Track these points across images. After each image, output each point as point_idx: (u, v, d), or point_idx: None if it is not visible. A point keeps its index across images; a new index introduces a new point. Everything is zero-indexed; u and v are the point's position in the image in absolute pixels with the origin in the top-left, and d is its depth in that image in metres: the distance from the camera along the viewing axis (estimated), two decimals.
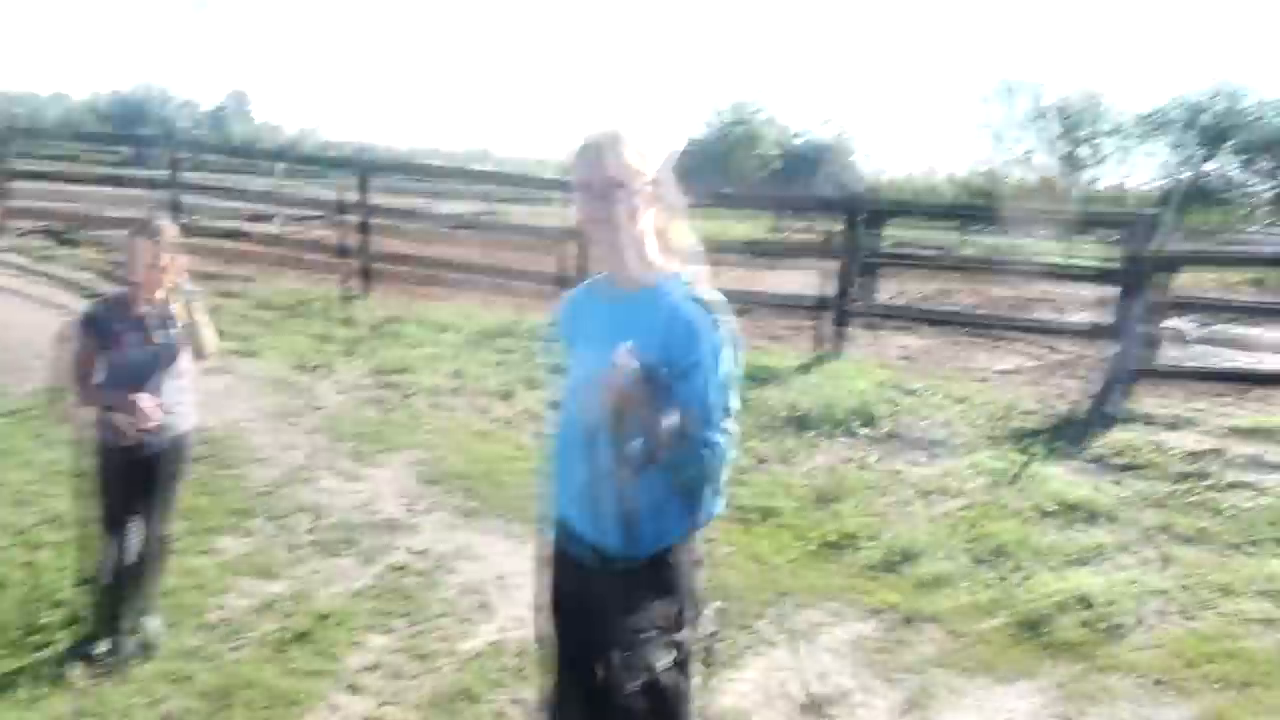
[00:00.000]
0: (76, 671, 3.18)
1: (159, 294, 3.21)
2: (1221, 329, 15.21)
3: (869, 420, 6.82)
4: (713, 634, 2.32)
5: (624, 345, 1.90)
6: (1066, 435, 6.68)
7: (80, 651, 3.24)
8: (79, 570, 3.76)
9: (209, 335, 3.28)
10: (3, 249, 12.07)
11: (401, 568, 4.13)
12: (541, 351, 2.47)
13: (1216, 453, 6.58)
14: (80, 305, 4.59)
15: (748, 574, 4.28)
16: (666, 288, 2.06)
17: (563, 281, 12.18)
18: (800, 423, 6.74)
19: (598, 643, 2.09)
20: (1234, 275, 26.76)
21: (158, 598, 3.47)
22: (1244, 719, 3.34)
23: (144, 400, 3.09)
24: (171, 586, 3.68)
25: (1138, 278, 7.88)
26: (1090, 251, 36.60)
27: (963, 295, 18.67)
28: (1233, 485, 5.85)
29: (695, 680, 2.19)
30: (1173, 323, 9.95)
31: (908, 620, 3.97)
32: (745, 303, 11.38)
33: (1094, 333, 10.23)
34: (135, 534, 3.27)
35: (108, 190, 19.92)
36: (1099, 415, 7.32)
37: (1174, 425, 7.36)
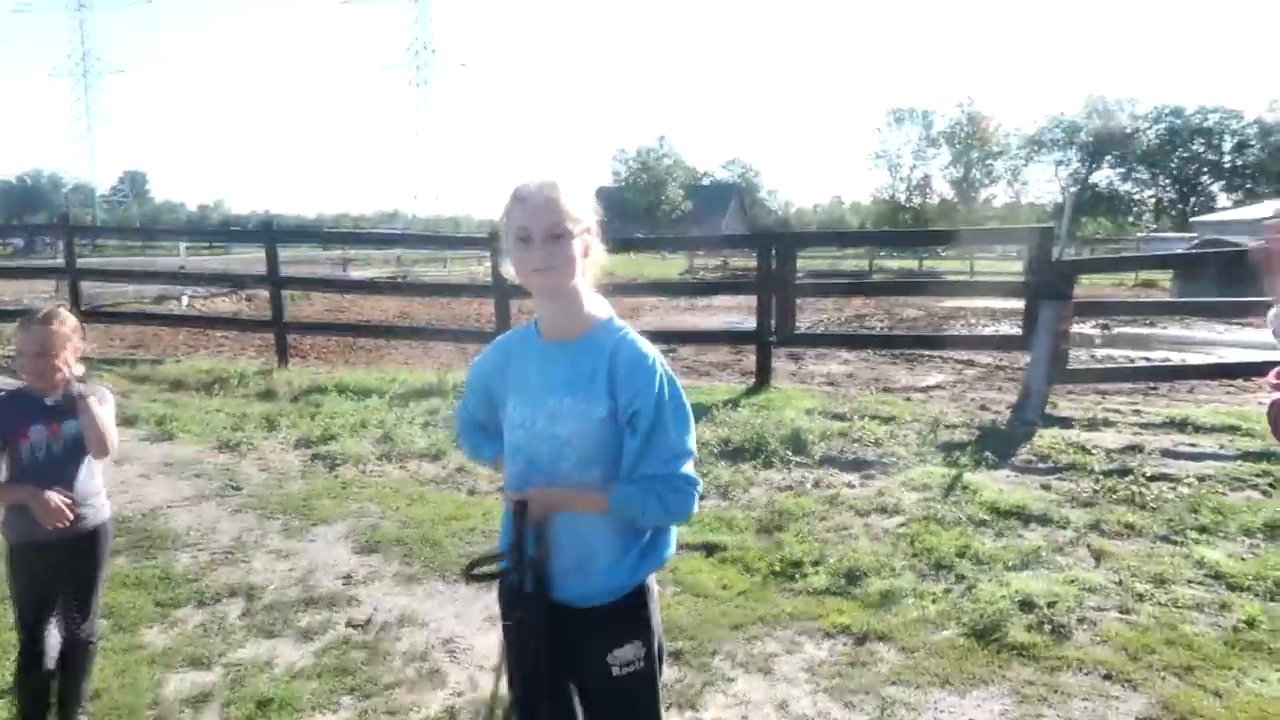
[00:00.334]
0: None
1: (53, 385, 3.05)
2: (1123, 331, 15.92)
3: (801, 448, 6.89)
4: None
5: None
6: (992, 445, 6.85)
7: None
8: None
9: (109, 432, 3.09)
10: None
11: (344, 642, 3.98)
12: (459, 410, 2.41)
13: (1135, 448, 6.83)
14: None
15: (698, 610, 4.24)
16: (602, 334, 2.05)
17: (482, 337, 12.11)
18: (734, 455, 6.78)
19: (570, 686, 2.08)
20: (1128, 279, 28.11)
21: (87, 701, 3.28)
22: (1192, 704, 3.41)
23: (52, 497, 2.94)
24: (100, 687, 3.48)
25: (1043, 288, 8.17)
26: (994, 267, 38.01)
27: (877, 319, 19.12)
28: (1153, 478, 6.06)
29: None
30: (1078, 328, 10.34)
31: (861, 641, 3.97)
32: (669, 342, 11.47)
33: (1007, 343, 10.58)
34: (53, 636, 3.09)
35: (3, 283, 19.25)
36: (1020, 422, 7.54)
37: (1092, 425, 7.61)
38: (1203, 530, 5.18)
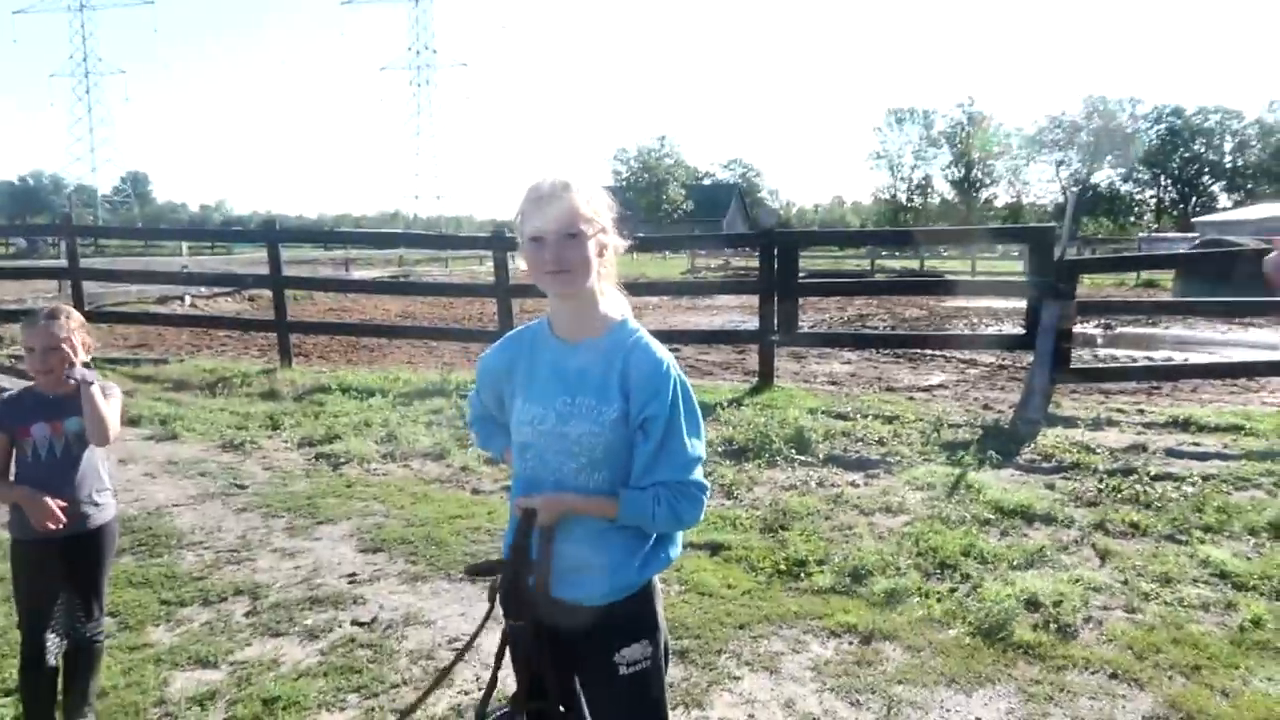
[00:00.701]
0: None
1: (63, 382, 3.07)
2: (1125, 331, 15.90)
3: (805, 447, 6.89)
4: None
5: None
6: (996, 444, 6.85)
7: None
8: (2, 679, 3.56)
9: (110, 421, 3.09)
10: None
11: (350, 641, 3.98)
12: (471, 399, 2.41)
13: (1139, 448, 6.83)
14: None
15: (703, 609, 4.24)
16: (617, 336, 2.04)
17: (485, 336, 12.11)
18: (738, 455, 6.78)
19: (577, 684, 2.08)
20: (1129, 279, 28.09)
21: (94, 700, 3.28)
22: (1199, 703, 3.41)
23: (45, 501, 2.94)
24: (107, 686, 3.48)
25: (1046, 287, 8.17)
26: (996, 267, 37.97)
27: (880, 318, 19.12)
28: (1157, 477, 6.06)
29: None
30: (1081, 328, 10.33)
31: (867, 640, 3.97)
32: (672, 341, 11.48)
33: (1010, 343, 10.58)
34: (56, 634, 3.09)
35: (5, 284, 19.26)
36: (1024, 422, 7.53)
37: (1096, 425, 7.61)
38: (1208, 529, 5.18)
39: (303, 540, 5.24)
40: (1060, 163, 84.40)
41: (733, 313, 19.86)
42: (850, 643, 3.97)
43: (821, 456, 6.77)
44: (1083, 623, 4.09)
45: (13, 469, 3.07)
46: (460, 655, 2.44)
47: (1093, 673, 3.67)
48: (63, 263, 13.57)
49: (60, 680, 3.15)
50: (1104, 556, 4.86)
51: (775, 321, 9.20)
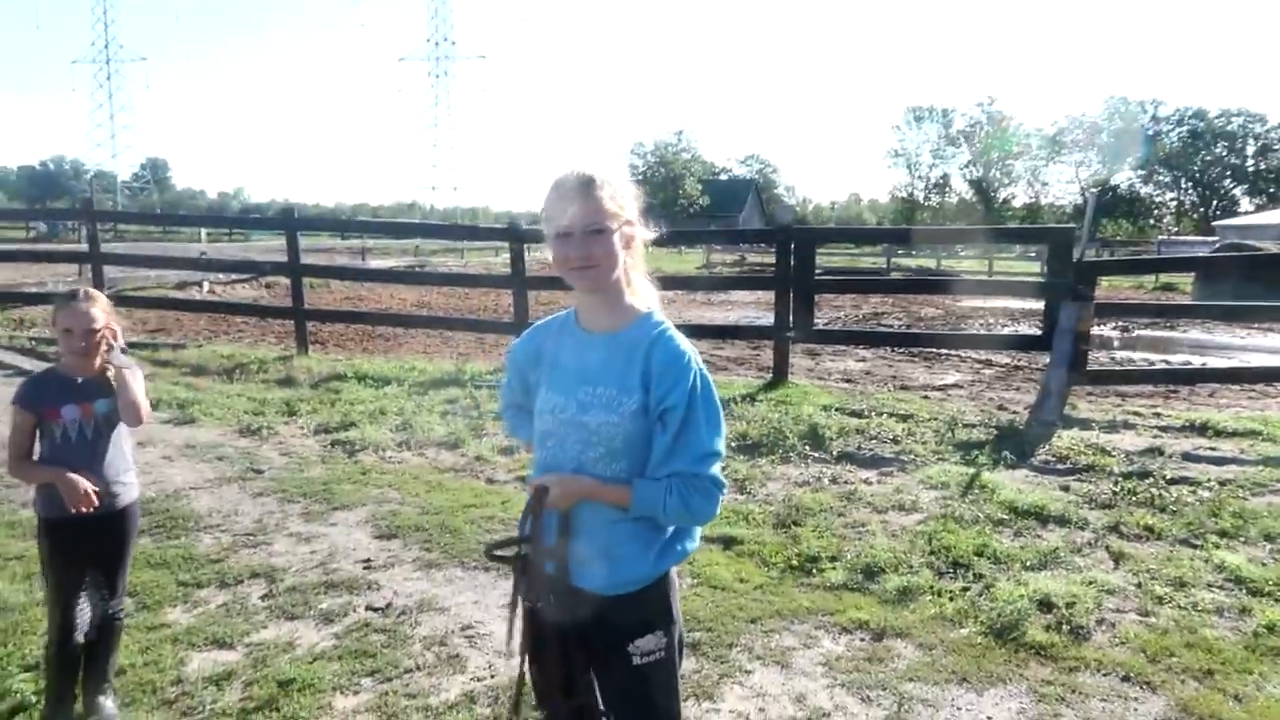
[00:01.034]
0: None
1: (94, 363, 3.13)
2: (1143, 334, 15.80)
3: (819, 444, 6.89)
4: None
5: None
6: (1011, 444, 6.83)
7: None
8: (23, 655, 3.61)
9: (143, 403, 3.17)
10: None
11: (365, 626, 4.02)
12: (502, 387, 2.42)
13: (1155, 451, 6.79)
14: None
15: (715, 603, 4.25)
16: (641, 329, 2.05)
17: (501, 328, 12.15)
18: (752, 450, 6.78)
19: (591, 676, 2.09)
20: (1147, 282, 27.90)
21: (112, 677, 3.33)
22: (1211, 708, 3.40)
23: (80, 481, 2.98)
24: (125, 664, 3.53)
25: (1064, 288, 8.13)
26: (1013, 267, 37.75)
27: (895, 316, 19.07)
28: (1173, 481, 6.03)
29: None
30: (1097, 330, 10.28)
31: (878, 637, 3.98)
32: (687, 336, 11.45)
33: (1026, 344, 10.53)
34: (85, 611, 3.14)
35: (25, 267, 19.42)
36: (1039, 423, 7.51)
37: (1111, 428, 7.58)
38: (1223, 534, 5.16)
39: (318, 526, 5.28)
40: (1080, 164, 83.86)
41: (748, 308, 19.84)
42: (862, 639, 3.97)
43: (835, 453, 6.77)
44: (1095, 625, 4.08)
45: (37, 449, 3.11)
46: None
47: (1105, 675, 3.67)
48: (84, 247, 13.67)
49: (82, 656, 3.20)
50: (1118, 559, 4.84)
51: (791, 318, 9.19)
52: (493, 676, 3.61)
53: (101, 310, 3.11)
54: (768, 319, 10.79)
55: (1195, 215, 78.31)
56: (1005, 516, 5.41)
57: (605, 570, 2.03)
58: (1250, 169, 78.61)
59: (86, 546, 3.12)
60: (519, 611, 2.11)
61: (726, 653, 3.81)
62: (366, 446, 6.93)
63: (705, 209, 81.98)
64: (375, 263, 30.78)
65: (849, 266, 35.65)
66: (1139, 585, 4.49)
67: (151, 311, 14.82)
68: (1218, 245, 26.70)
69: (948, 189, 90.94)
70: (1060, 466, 6.53)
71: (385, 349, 12.65)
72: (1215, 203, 79.19)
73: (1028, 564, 4.71)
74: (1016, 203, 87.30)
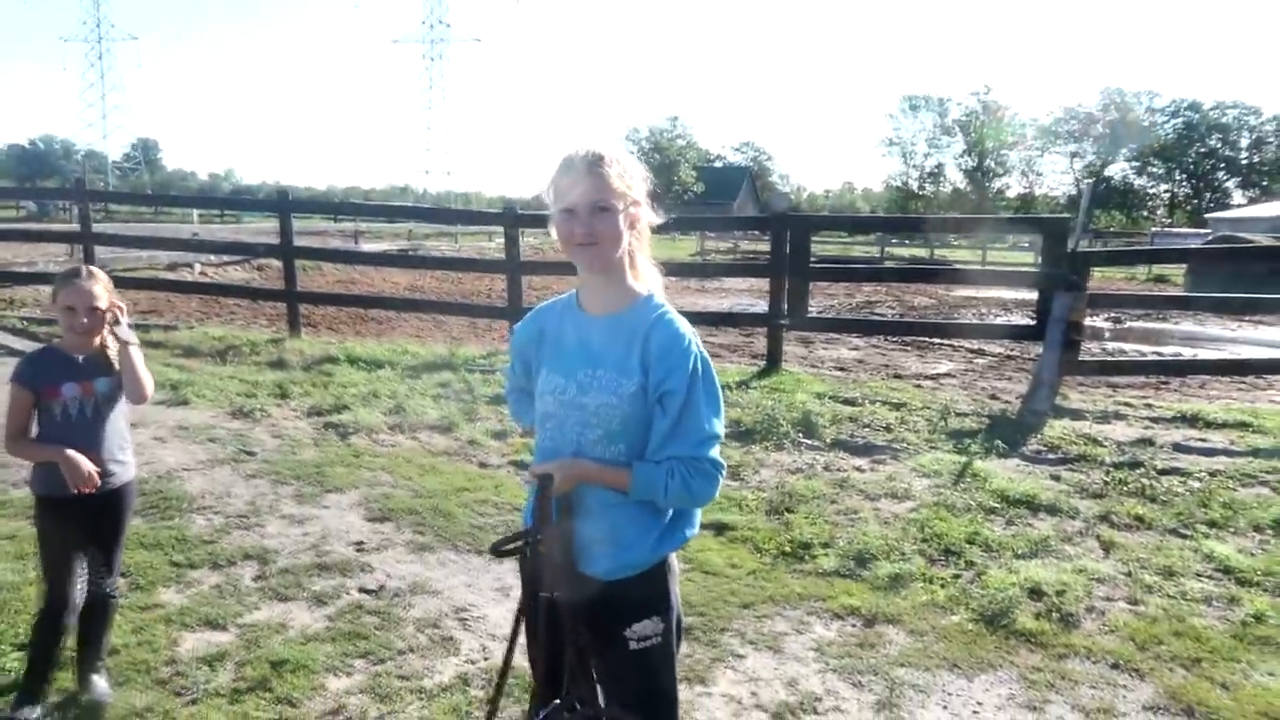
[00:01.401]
0: None
1: (95, 341, 3.12)
2: (1134, 325, 15.86)
3: (812, 431, 6.90)
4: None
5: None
6: (1002, 434, 6.86)
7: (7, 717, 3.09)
8: (15, 634, 3.60)
9: (146, 380, 3.17)
10: None
11: (357, 608, 4.02)
12: (507, 371, 2.41)
13: (1146, 442, 6.82)
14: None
15: (707, 588, 4.27)
16: (641, 311, 2.05)
17: (494, 312, 12.13)
18: (745, 437, 6.79)
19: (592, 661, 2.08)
20: (1139, 274, 27.99)
21: (105, 655, 3.32)
22: (1199, 695, 3.43)
23: (82, 461, 2.97)
24: (117, 644, 3.53)
25: (1057, 279, 8.15)
26: (1005, 257, 37.83)
27: (888, 305, 19.09)
28: (1164, 472, 6.06)
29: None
30: (1089, 321, 10.30)
31: (870, 623, 4.00)
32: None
33: (1020, 333, 10.57)
34: (78, 588, 3.13)
35: (16, 246, 19.28)
36: (1031, 412, 7.54)
37: (1103, 418, 7.61)
38: (1212, 525, 5.19)
39: (311, 508, 5.28)
40: (1074, 154, 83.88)
41: (741, 296, 19.85)
42: (853, 625, 3.99)
43: (828, 441, 6.79)
44: (1085, 613, 4.11)
45: (34, 427, 3.10)
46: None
47: (1094, 662, 3.70)
48: (75, 226, 13.59)
49: (75, 634, 3.20)
50: (1108, 548, 4.87)
51: (786, 305, 9.19)
52: (486, 659, 3.62)
53: (104, 288, 3.10)
54: (761, 306, 10.81)
55: (1188, 207, 78.48)
56: (996, 505, 5.43)
57: (606, 555, 2.03)
58: (1244, 161, 78.77)
59: (83, 525, 3.11)
60: (521, 606, 2.11)
61: (719, 637, 3.82)
62: (359, 429, 6.92)
63: (699, 196, 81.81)
64: (368, 246, 30.65)
65: (842, 255, 35.65)
66: (1129, 574, 4.52)
67: (143, 292, 14.70)
68: (1210, 238, 26.78)
69: (942, 178, 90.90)
70: (1051, 456, 6.56)
71: (378, 332, 12.62)
72: (1208, 195, 79.37)
73: (1018, 552, 4.74)
74: (1010, 193, 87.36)
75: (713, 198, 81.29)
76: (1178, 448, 6.78)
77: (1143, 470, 6.05)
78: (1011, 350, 12.08)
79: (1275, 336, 15.04)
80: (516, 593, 4.04)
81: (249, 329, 11.98)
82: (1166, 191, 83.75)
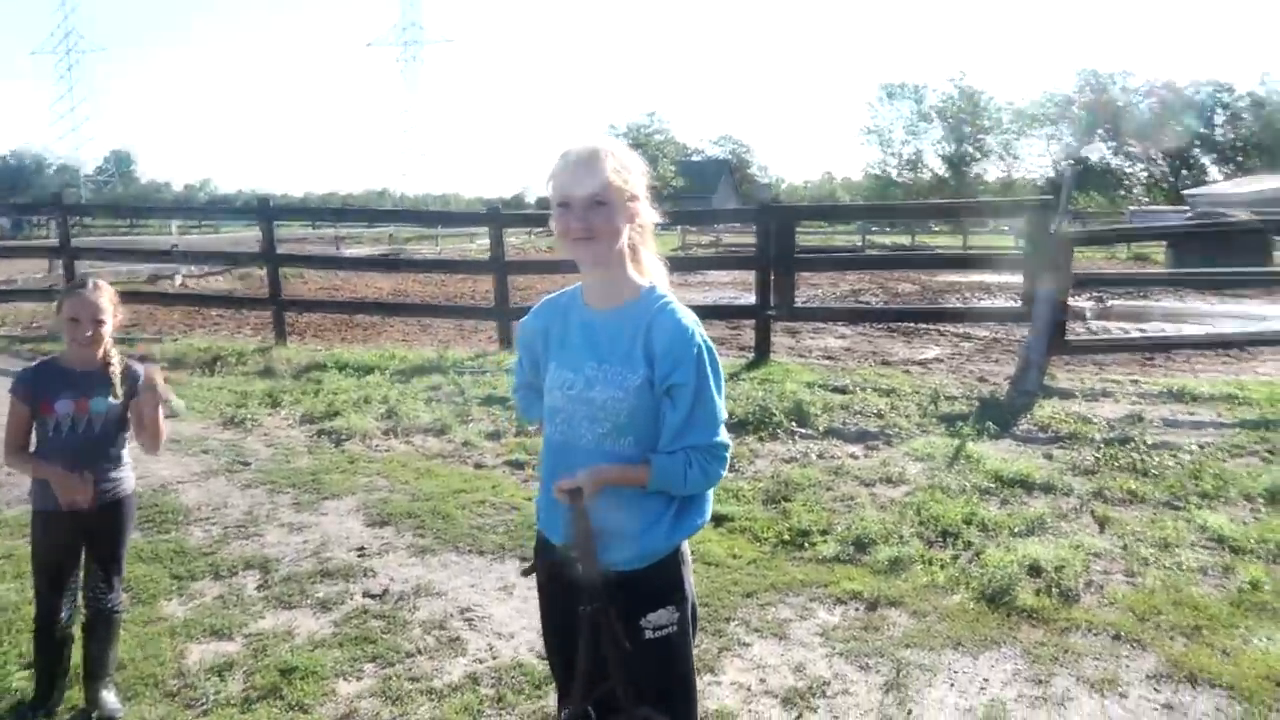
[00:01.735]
0: None
1: (98, 354, 3.10)
2: (1116, 304, 15.99)
3: (805, 420, 6.94)
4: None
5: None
6: (993, 416, 6.91)
7: None
8: (19, 653, 3.59)
9: (164, 433, 3.21)
10: None
11: (363, 612, 4.03)
12: (514, 367, 2.42)
13: (1135, 418, 6.90)
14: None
15: (710, 578, 4.29)
16: (644, 303, 2.06)
17: (480, 314, 12.11)
18: (738, 428, 6.81)
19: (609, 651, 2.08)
20: (1120, 253, 28.20)
21: (113, 670, 3.32)
22: (1200, 662, 3.48)
23: (74, 480, 2.97)
24: (124, 658, 3.51)
25: (1043, 261, 8.21)
26: (986, 242, 38.03)
27: (873, 293, 19.15)
28: (1154, 446, 6.13)
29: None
30: (1072, 302, 10.36)
31: (872, 606, 4.03)
32: None
33: (1008, 315, 10.64)
34: (73, 604, 3.14)
35: None
36: (1020, 394, 7.60)
37: (1091, 396, 7.68)
38: (1204, 496, 5.26)
39: (309, 515, 5.27)
40: (1052, 137, 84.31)
41: (725, 288, 19.85)
42: (856, 609, 4.03)
43: (821, 429, 6.82)
44: (1084, 587, 4.16)
45: (34, 441, 3.09)
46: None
47: (1096, 635, 3.74)
48: (54, 241, 13.48)
49: (81, 651, 3.19)
50: (1103, 524, 4.93)
51: (773, 296, 9.22)
52: (494, 658, 3.63)
53: (109, 300, 3.10)
54: (747, 299, 10.83)
55: (1165, 185, 78.99)
56: (991, 485, 5.48)
57: (621, 547, 2.04)
58: (1219, 139, 79.36)
59: (79, 539, 3.11)
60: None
61: (724, 626, 3.85)
62: (353, 435, 6.90)
63: (680, 190, 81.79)
64: (350, 251, 30.55)
65: (824, 245, 35.71)
66: (1125, 548, 4.57)
67: (125, 305, 14.60)
68: (1189, 215, 26.99)
69: (921, 165, 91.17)
70: (1043, 435, 6.62)
71: (364, 338, 12.58)
72: (1185, 173, 79.92)
73: (1015, 531, 4.79)
74: (989, 177, 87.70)
75: (693, 192, 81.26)
76: (1167, 422, 6.86)
77: (1133, 446, 6.12)
78: (997, 333, 12.15)
79: (1255, 310, 15.18)
80: (521, 591, 4.08)
81: (234, 339, 11.91)
82: (1143, 171, 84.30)
